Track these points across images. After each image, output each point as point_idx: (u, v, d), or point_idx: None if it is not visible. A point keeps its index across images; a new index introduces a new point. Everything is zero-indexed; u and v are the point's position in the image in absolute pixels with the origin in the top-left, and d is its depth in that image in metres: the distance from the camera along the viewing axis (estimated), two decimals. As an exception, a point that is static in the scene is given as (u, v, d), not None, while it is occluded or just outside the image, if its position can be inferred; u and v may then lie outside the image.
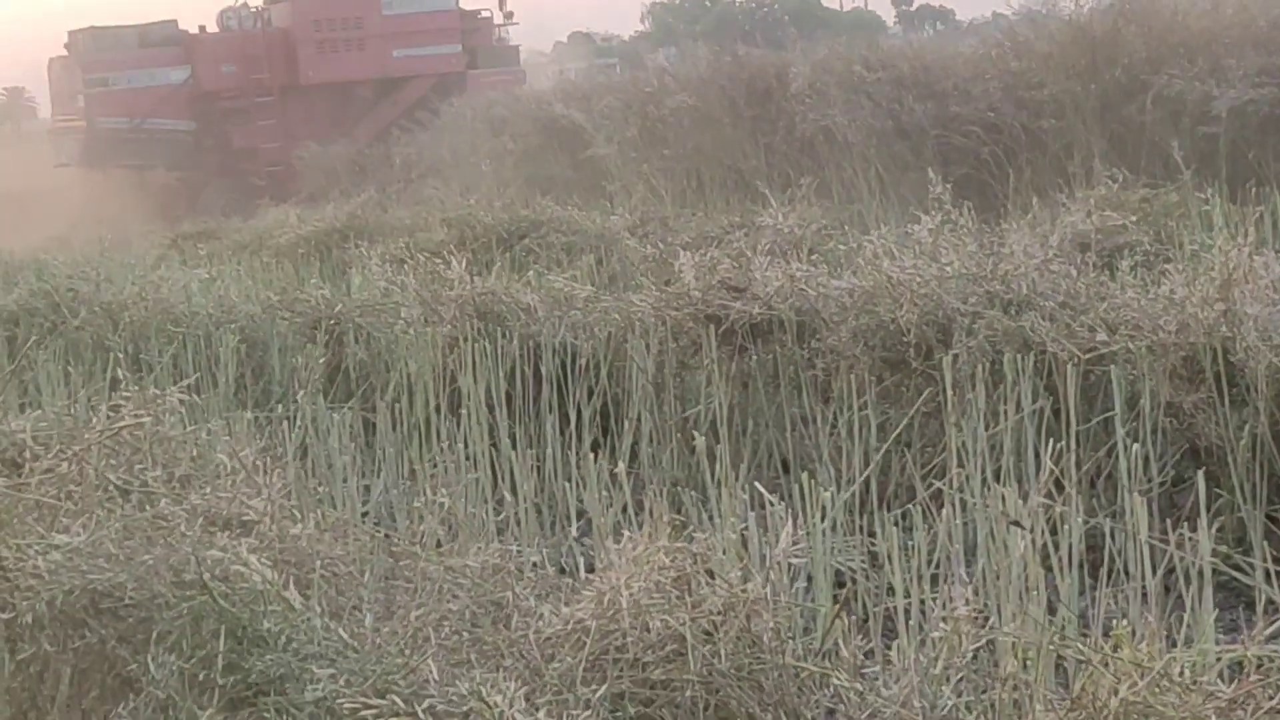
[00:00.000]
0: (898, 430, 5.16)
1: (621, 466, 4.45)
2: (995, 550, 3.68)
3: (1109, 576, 3.92)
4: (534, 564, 3.96)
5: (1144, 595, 3.74)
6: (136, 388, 4.07)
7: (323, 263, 11.78)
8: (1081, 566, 3.91)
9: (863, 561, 4.28)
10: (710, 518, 4.55)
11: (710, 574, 3.11)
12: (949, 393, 4.97)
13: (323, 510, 4.04)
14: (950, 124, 13.92)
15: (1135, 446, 4.55)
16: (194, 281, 8.54)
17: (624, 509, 4.42)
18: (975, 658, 2.97)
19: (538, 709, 2.84)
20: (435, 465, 5.42)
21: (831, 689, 3.00)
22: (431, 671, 2.92)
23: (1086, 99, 13.25)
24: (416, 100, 25.71)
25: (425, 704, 2.83)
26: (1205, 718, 2.60)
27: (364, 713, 2.84)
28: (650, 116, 16.71)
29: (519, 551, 4.29)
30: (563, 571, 4.18)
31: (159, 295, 7.90)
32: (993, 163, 13.50)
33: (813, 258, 6.85)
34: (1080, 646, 2.81)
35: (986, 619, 3.30)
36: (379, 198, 17.35)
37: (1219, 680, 2.72)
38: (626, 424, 5.80)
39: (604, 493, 4.47)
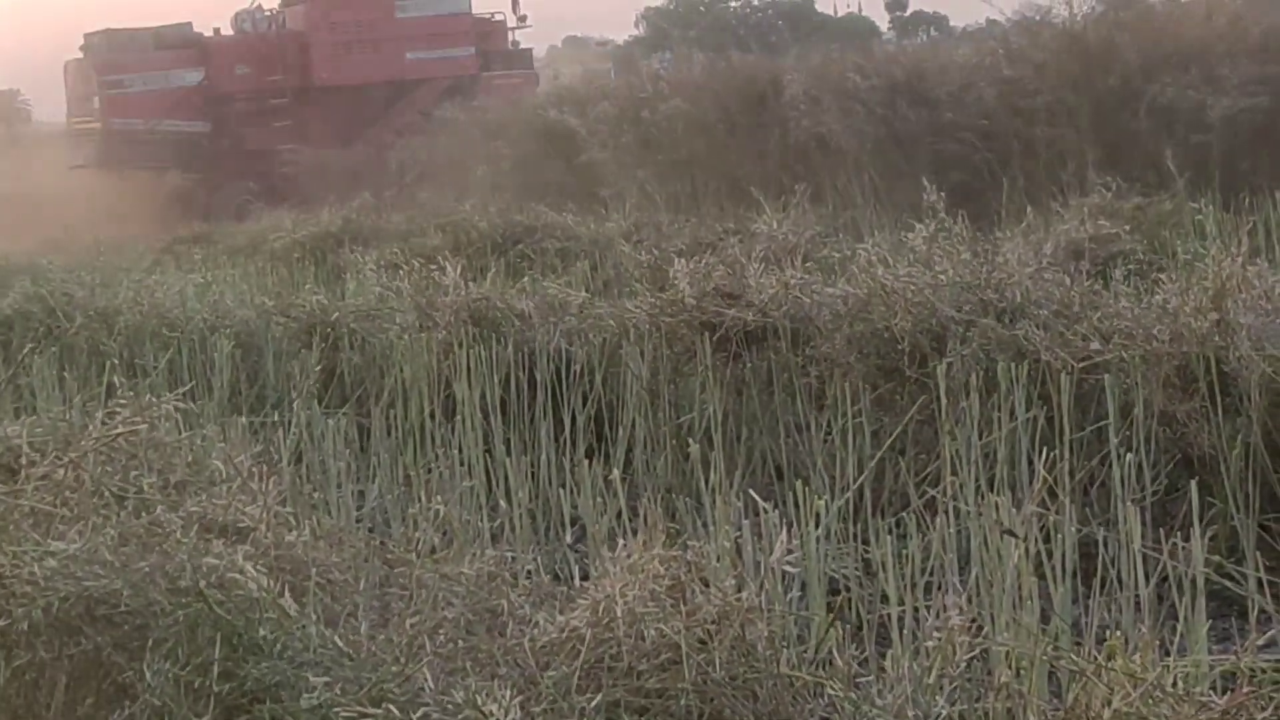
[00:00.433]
0: (892, 438, 5.17)
1: (616, 473, 4.44)
2: (989, 559, 3.68)
3: (1102, 585, 3.92)
4: (528, 571, 3.97)
5: (1137, 604, 3.74)
6: (132, 393, 4.07)
7: (318, 268, 11.80)
8: (1075, 575, 3.91)
9: (857, 569, 4.28)
10: (704, 525, 4.55)
11: (705, 582, 3.12)
12: (943, 401, 4.98)
13: (318, 517, 4.05)
14: (944, 131, 13.92)
15: (1128, 455, 4.55)
16: (189, 286, 8.55)
17: (618, 516, 4.42)
18: (969, 667, 2.97)
19: (533, 717, 2.84)
20: (430, 471, 5.42)
21: (826, 698, 3.01)
22: (426, 679, 2.93)
23: (1080, 107, 13.26)
24: (430, 102, 25.67)
25: (420, 712, 2.83)
26: (1198, 728, 2.61)
27: (359, 721, 2.85)
28: (644, 122, 16.70)
29: (513, 558, 4.29)
30: (557, 578, 4.18)
31: (154, 300, 7.92)
32: (986, 170, 13.50)
33: (807, 265, 6.86)
34: (1073, 656, 2.81)
35: (980, 628, 3.31)
36: (374, 202, 17.35)
37: (1211, 691, 2.73)
38: (621, 431, 5.80)
39: (598, 499, 4.47)
